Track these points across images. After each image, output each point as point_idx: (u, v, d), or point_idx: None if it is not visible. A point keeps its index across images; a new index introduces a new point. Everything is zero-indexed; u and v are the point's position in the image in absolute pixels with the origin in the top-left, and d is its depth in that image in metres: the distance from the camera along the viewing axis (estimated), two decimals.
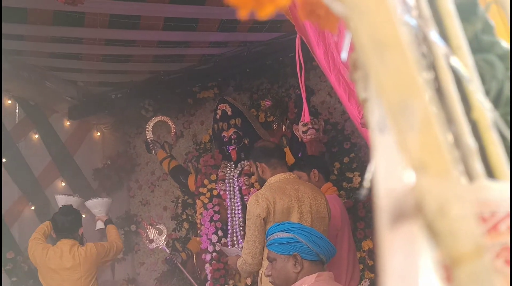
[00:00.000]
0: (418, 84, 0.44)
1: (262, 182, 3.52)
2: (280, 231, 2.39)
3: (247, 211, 3.32)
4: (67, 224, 4.73)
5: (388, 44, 0.44)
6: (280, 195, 3.25)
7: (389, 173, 0.45)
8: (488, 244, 0.54)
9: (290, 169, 4.11)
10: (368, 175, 0.49)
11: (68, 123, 6.63)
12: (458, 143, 0.59)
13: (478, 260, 0.43)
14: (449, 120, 0.60)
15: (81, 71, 6.06)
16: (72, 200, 5.23)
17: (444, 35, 0.68)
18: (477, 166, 0.59)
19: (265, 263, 3.21)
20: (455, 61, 0.64)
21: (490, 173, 0.61)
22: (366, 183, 0.52)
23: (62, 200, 5.21)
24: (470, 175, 0.58)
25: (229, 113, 5.30)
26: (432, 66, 0.62)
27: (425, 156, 0.43)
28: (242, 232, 5.09)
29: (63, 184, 6.45)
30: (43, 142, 6.30)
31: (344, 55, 0.61)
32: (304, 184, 3.50)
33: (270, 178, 3.43)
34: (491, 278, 0.43)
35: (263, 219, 3.20)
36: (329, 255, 2.35)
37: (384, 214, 0.44)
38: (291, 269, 2.31)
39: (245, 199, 5.15)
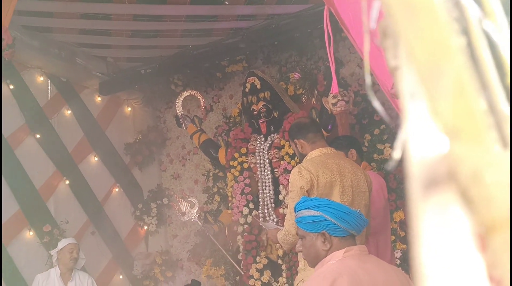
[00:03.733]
0: (450, 48, 0.43)
1: (302, 158, 3.49)
2: (307, 208, 2.35)
3: (289, 183, 3.29)
4: None
5: (419, 7, 0.43)
6: (322, 169, 3.22)
7: (421, 140, 0.44)
8: None
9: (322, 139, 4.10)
10: (398, 144, 0.48)
11: (99, 99, 6.69)
12: (492, 110, 0.58)
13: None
14: (483, 86, 0.58)
15: (110, 47, 6.09)
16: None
17: None
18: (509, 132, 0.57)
19: None
20: (488, 25, 0.61)
21: None
22: (396, 153, 0.51)
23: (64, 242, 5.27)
24: (504, 142, 0.57)
25: (258, 86, 5.29)
26: (465, 31, 0.60)
27: (458, 121, 0.42)
28: (273, 205, 5.12)
29: (95, 158, 6.54)
30: (75, 118, 6.37)
31: (373, 22, 0.59)
32: (344, 159, 3.47)
33: (310, 153, 3.39)
34: None
35: (307, 191, 3.17)
36: (360, 228, 2.32)
37: (416, 182, 0.43)
38: (321, 247, 2.29)
39: (275, 172, 5.16)
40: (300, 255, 3.31)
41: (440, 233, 0.41)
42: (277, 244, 4.19)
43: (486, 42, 0.64)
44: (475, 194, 0.41)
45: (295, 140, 3.47)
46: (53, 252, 5.24)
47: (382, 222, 3.85)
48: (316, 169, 3.21)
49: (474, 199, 0.41)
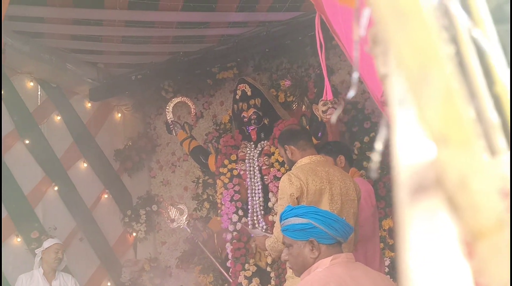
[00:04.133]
0: (439, 55, 0.43)
1: (291, 164, 3.49)
2: (294, 216, 2.33)
3: (279, 190, 3.28)
4: None
5: (408, 14, 0.43)
6: (312, 176, 3.23)
7: (409, 147, 0.44)
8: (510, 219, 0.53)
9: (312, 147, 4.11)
10: (379, 144, 0.48)
11: (89, 105, 6.67)
12: (480, 118, 0.58)
13: (499, 234, 0.42)
14: (471, 94, 0.59)
15: (101, 53, 6.08)
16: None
17: (466, 7, 0.66)
18: (500, 141, 0.58)
19: None
20: (477, 34, 0.62)
21: None
22: (377, 161, 0.51)
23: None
24: (492, 150, 0.57)
25: (249, 93, 5.29)
26: (454, 40, 0.61)
27: (445, 128, 0.42)
28: (262, 212, 5.11)
29: (85, 164, 6.51)
30: (65, 124, 6.35)
31: (363, 30, 0.59)
32: (333, 167, 3.48)
33: (300, 160, 3.40)
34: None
35: (297, 198, 3.17)
36: (346, 236, 2.32)
37: (403, 188, 0.43)
38: (309, 255, 2.28)
39: (265, 179, 5.15)
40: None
41: (427, 239, 0.41)
42: (266, 252, 4.18)
43: (475, 50, 0.64)
44: (461, 201, 0.41)
45: (285, 146, 3.47)
46: (38, 251, 5.22)
47: (370, 229, 3.84)
48: (306, 176, 3.21)
49: (461, 205, 0.41)
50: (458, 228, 0.43)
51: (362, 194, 3.61)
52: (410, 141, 0.44)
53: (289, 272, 3.31)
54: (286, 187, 3.19)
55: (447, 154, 0.42)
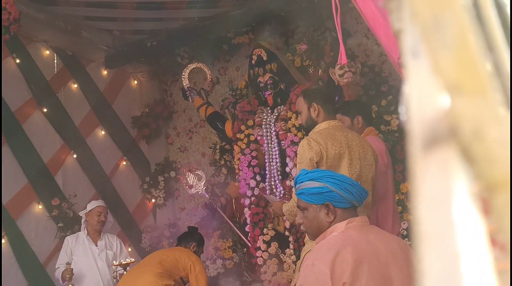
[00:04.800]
0: (453, 3, 0.41)
1: (310, 123, 3.46)
2: (310, 180, 2.32)
3: (298, 155, 3.27)
4: None
5: None
6: (331, 141, 3.21)
7: (422, 97, 0.43)
8: None
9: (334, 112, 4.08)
10: (402, 105, 0.47)
11: (105, 72, 6.67)
12: (497, 71, 0.56)
13: None
14: (489, 47, 0.57)
15: (116, 19, 6.05)
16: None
17: None
18: None
19: None
20: None
21: None
22: (401, 115, 0.50)
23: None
24: (510, 104, 0.56)
25: (265, 58, 5.25)
26: None
27: (459, 77, 0.40)
28: (280, 177, 5.12)
29: (102, 132, 6.55)
30: (82, 92, 6.37)
31: None
32: (351, 132, 3.47)
33: (318, 125, 3.38)
34: None
35: (316, 162, 3.16)
36: (361, 199, 2.31)
37: (417, 140, 0.42)
38: (324, 218, 2.27)
39: (282, 144, 5.14)
40: None
41: (441, 191, 0.40)
42: (284, 216, 4.19)
43: (493, 2, 0.62)
44: (477, 152, 0.40)
45: (313, 103, 3.43)
46: (82, 213, 5.31)
47: (382, 189, 3.80)
48: (325, 141, 3.20)
49: (476, 157, 0.40)
50: (473, 181, 0.42)
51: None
52: (424, 92, 0.43)
53: (308, 236, 3.32)
54: (306, 152, 3.18)
55: (461, 103, 0.41)
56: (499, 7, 0.64)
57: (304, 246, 3.45)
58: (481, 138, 0.39)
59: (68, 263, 4.81)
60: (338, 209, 2.26)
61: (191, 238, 4.94)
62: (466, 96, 0.40)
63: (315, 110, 3.42)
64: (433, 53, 0.41)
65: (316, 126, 3.38)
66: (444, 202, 0.40)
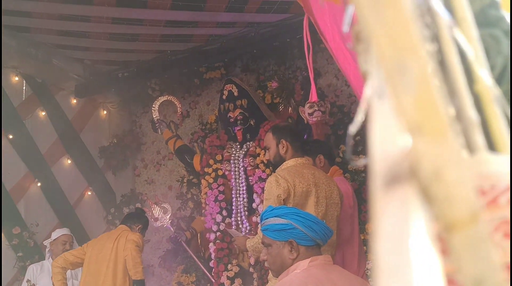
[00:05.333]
0: (415, 42, 0.43)
1: (278, 160, 3.48)
2: (275, 216, 2.34)
3: (265, 191, 3.27)
4: None
5: (388, 7, 0.43)
6: (299, 178, 3.23)
7: (385, 137, 0.44)
8: (487, 217, 0.53)
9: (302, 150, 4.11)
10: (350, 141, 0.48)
11: (74, 101, 6.63)
12: (460, 115, 0.58)
13: (473, 227, 0.42)
14: (452, 92, 0.59)
15: (88, 49, 6.04)
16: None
17: (449, 6, 0.67)
18: (479, 139, 0.58)
19: None
20: (458, 33, 0.62)
21: (492, 146, 0.59)
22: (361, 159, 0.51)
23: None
24: (471, 148, 0.57)
25: (236, 93, 5.28)
26: (436, 38, 0.61)
27: (420, 117, 0.42)
28: (246, 212, 5.10)
29: (69, 161, 6.47)
30: (49, 120, 6.30)
31: (346, 26, 0.59)
32: (318, 170, 3.49)
33: (287, 162, 3.40)
34: (487, 247, 0.42)
35: (283, 200, 3.17)
36: (326, 238, 2.33)
37: (378, 178, 0.43)
38: (287, 255, 2.28)
39: (250, 180, 5.15)
40: None
41: (400, 228, 0.41)
42: (248, 252, 4.17)
43: (456, 49, 0.65)
44: (436, 192, 0.41)
45: (282, 140, 3.44)
46: (46, 242, 5.20)
47: (348, 231, 3.83)
48: (293, 178, 3.22)
49: (435, 197, 0.41)
50: (433, 221, 0.43)
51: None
52: (386, 132, 0.44)
53: (272, 273, 3.31)
54: (273, 188, 3.18)
55: (422, 144, 0.42)
56: (462, 54, 0.66)
57: (267, 283, 3.44)
58: (441, 178, 0.41)
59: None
60: (302, 247, 2.26)
61: (138, 219, 4.97)
62: (426, 137, 0.41)
63: (283, 146, 3.44)
64: (396, 95, 0.43)
65: (284, 163, 3.40)
66: (403, 240, 0.41)
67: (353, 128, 0.47)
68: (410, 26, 0.43)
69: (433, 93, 0.43)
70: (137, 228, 4.88)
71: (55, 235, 5.14)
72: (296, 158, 3.39)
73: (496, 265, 0.43)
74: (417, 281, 0.39)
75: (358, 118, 0.46)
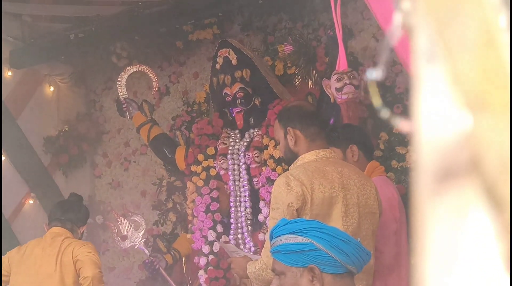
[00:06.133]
0: None
1: (290, 156, 3.44)
2: (290, 233, 2.33)
3: (272, 198, 3.25)
4: None
5: None
6: (319, 180, 3.18)
7: (436, 116, 0.44)
8: None
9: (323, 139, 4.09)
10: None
11: (9, 73, 6.63)
12: None
13: None
14: None
15: (27, 1, 6.05)
16: None
17: None
18: None
19: None
20: None
21: None
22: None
23: None
24: None
25: (234, 62, 5.29)
26: None
27: (485, 87, 0.42)
28: (250, 228, 5.12)
29: (3, 158, 6.49)
30: None
31: None
32: (348, 166, 3.44)
33: (303, 155, 3.35)
34: None
35: (296, 210, 3.14)
36: (361, 264, 2.31)
37: (427, 174, 0.43)
38: None
39: (254, 182, 5.15)
40: None
41: (456, 244, 0.41)
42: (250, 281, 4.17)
43: None
44: (506, 191, 0.41)
45: (289, 128, 3.40)
46: None
47: (391, 254, 3.81)
48: (311, 179, 3.18)
49: (505, 198, 0.41)
50: (500, 230, 0.43)
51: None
52: (438, 111, 0.44)
53: None
54: (283, 194, 3.16)
55: (487, 125, 0.42)
56: None
57: None
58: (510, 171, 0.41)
59: None
60: (327, 275, 2.26)
61: (80, 217, 4.98)
62: (493, 117, 0.41)
63: (291, 137, 3.38)
64: (451, 58, 0.43)
65: (300, 157, 3.36)
66: (459, 255, 0.41)
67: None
68: None
69: (501, 54, 0.43)
70: (81, 232, 4.86)
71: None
72: (317, 151, 3.34)
73: None
74: None
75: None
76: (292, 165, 3.38)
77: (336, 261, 2.24)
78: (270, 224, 3.23)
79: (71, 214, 4.87)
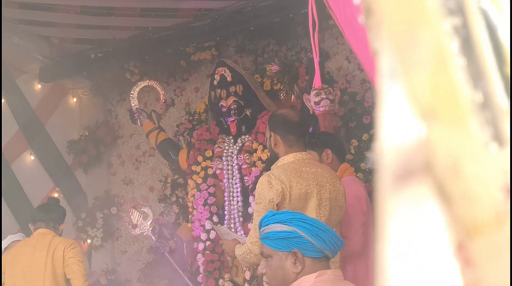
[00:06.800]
0: (430, 14, 0.43)
1: (272, 155, 3.47)
2: (277, 222, 2.33)
3: (256, 194, 3.26)
4: None
5: None
6: (296, 178, 3.19)
7: (395, 124, 0.44)
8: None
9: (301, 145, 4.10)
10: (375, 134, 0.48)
11: (39, 86, 6.61)
12: (487, 102, 0.58)
13: (498, 231, 0.42)
14: (478, 75, 0.59)
15: (55, 25, 6.03)
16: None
17: None
18: (508, 129, 0.58)
19: None
20: (487, 4, 0.62)
21: None
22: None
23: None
24: (499, 140, 0.57)
25: (229, 78, 5.28)
26: (460, 10, 0.61)
27: (436, 100, 0.41)
28: (241, 218, 5.11)
29: (32, 157, 6.46)
30: (9, 108, 6.29)
31: None
32: (322, 167, 3.45)
33: (283, 157, 3.36)
34: None
35: (277, 204, 3.15)
36: (335, 250, 2.31)
37: (387, 173, 0.43)
38: (290, 269, 2.27)
39: (245, 180, 5.15)
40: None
41: (412, 235, 0.41)
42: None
43: (484, 24, 0.64)
44: (454, 189, 0.41)
45: (271, 132, 3.42)
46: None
47: (359, 242, 3.81)
48: (289, 178, 3.19)
49: (453, 194, 0.41)
50: (449, 222, 0.43)
51: (349, 200, 3.60)
52: (397, 119, 0.44)
53: None
54: (266, 191, 3.16)
55: (437, 133, 0.42)
56: (490, 29, 0.66)
57: None
58: (459, 172, 0.40)
59: None
60: (308, 259, 2.25)
61: (61, 216, 4.92)
62: (443, 124, 0.41)
63: (273, 140, 3.41)
64: (408, 75, 0.43)
65: (280, 159, 3.37)
66: (414, 246, 0.40)
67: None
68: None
69: (451, 73, 0.42)
70: (61, 229, 4.84)
71: (5, 243, 5.11)
72: (295, 153, 3.35)
73: None
74: None
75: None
76: (274, 165, 3.39)
77: (316, 247, 2.24)
78: (254, 216, 3.25)
79: (52, 214, 4.82)
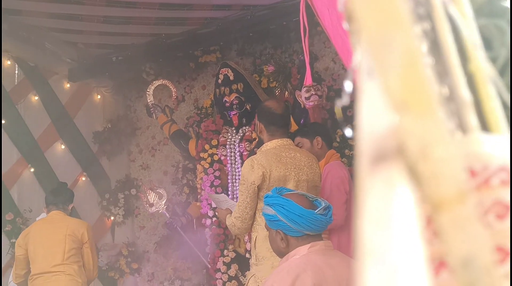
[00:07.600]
0: (401, 18, 0.42)
1: (259, 140, 3.52)
2: (267, 204, 2.36)
3: (241, 175, 3.29)
4: None
5: None
6: (276, 163, 3.22)
7: (372, 115, 0.44)
8: (478, 198, 0.53)
9: (293, 135, 4.10)
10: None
11: (68, 85, 6.60)
12: (452, 95, 0.58)
13: (461, 207, 0.42)
14: (444, 72, 0.58)
15: (81, 32, 6.00)
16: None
17: None
18: (471, 119, 0.57)
19: (259, 228, 3.22)
20: (453, 10, 0.61)
21: (485, 127, 0.59)
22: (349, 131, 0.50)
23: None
24: (463, 129, 0.57)
25: (231, 77, 5.27)
26: (428, 16, 0.60)
27: (407, 94, 0.41)
28: None
29: (62, 146, 6.46)
30: (42, 104, 6.28)
31: (341, 5, 0.59)
32: (300, 151, 3.46)
33: (266, 144, 3.39)
34: (476, 228, 0.42)
35: (257, 186, 3.18)
36: (316, 229, 2.28)
37: (364, 156, 0.43)
38: (279, 244, 2.31)
39: None
40: (252, 249, 3.33)
41: (385, 207, 0.41)
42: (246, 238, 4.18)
43: (450, 27, 0.64)
44: (422, 170, 0.41)
45: (258, 121, 3.46)
46: None
47: (342, 217, 3.84)
48: (270, 162, 3.21)
49: (422, 174, 0.41)
50: (420, 200, 0.42)
51: (334, 181, 3.62)
52: (373, 110, 0.44)
53: (253, 259, 3.33)
54: (248, 174, 3.20)
55: (408, 121, 0.42)
56: (456, 32, 0.65)
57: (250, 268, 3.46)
58: (427, 156, 0.40)
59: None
60: (291, 237, 2.27)
61: (68, 198, 4.89)
62: (413, 114, 0.40)
63: (258, 127, 3.44)
64: (382, 72, 0.42)
65: (264, 145, 3.40)
66: (387, 220, 0.40)
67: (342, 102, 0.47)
68: (396, 1, 0.43)
69: (420, 70, 0.42)
70: (70, 208, 4.84)
71: (39, 218, 5.11)
72: (277, 140, 3.36)
73: (485, 247, 0.43)
74: (401, 263, 0.39)
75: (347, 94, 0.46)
76: (258, 150, 3.43)
77: (293, 229, 2.25)
78: (239, 194, 3.30)
79: (61, 197, 4.80)
